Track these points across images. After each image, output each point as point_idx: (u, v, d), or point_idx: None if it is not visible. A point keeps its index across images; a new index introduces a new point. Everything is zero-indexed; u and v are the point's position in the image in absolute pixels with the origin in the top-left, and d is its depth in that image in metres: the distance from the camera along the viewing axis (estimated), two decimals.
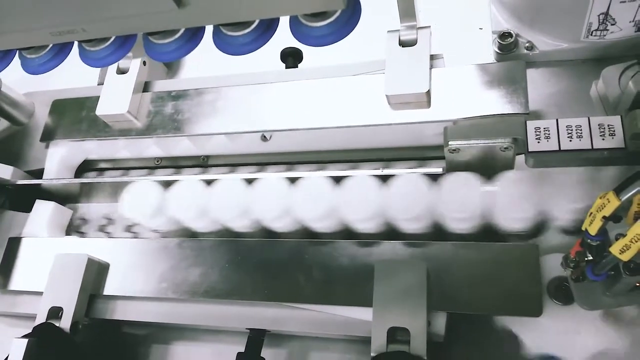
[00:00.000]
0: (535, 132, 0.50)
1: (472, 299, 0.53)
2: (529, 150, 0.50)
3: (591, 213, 0.43)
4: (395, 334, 0.51)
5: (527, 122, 0.51)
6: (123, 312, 0.66)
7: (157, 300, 0.64)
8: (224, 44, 0.40)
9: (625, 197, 0.41)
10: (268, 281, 0.59)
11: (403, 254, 0.56)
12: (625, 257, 0.41)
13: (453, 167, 0.58)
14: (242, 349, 0.60)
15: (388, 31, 0.63)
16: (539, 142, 0.49)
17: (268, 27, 0.38)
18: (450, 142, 0.54)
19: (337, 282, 0.57)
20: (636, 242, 0.40)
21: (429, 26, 0.62)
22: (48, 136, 0.78)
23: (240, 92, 0.70)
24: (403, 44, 0.62)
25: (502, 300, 0.52)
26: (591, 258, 0.46)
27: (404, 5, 0.60)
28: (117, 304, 0.67)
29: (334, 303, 0.57)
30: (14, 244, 0.72)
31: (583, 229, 0.45)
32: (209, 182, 0.65)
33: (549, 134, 0.49)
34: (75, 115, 0.77)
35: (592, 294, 0.50)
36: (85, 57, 0.51)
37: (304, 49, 0.73)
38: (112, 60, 0.48)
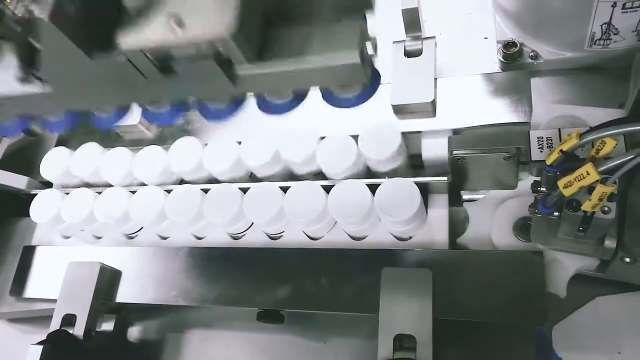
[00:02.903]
0: (538, 141, 0.51)
1: (477, 306, 0.53)
2: (532, 159, 0.50)
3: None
4: (402, 341, 0.52)
5: (530, 131, 0.51)
6: (135, 319, 0.67)
7: (168, 307, 0.65)
8: (266, 106, 0.45)
9: (586, 139, 0.42)
10: (276, 288, 0.60)
11: (409, 261, 0.57)
12: (567, 192, 0.43)
13: (457, 176, 0.59)
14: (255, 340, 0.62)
15: (393, 42, 0.64)
16: (541, 151, 0.50)
17: (302, 94, 0.43)
18: (454, 151, 0.55)
19: (344, 289, 0.58)
20: (579, 180, 0.42)
21: (434, 37, 0.63)
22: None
23: (249, 100, 0.71)
24: (408, 54, 0.63)
25: (507, 307, 0.52)
26: (544, 189, 0.47)
27: (408, 17, 0.61)
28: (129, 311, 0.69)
29: (341, 310, 0.58)
30: (28, 252, 0.74)
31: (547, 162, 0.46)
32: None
33: (551, 143, 0.50)
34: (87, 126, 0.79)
35: (546, 231, 0.51)
36: (147, 115, 0.53)
37: None
38: (170, 120, 0.50)
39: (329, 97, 0.42)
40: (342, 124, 0.63)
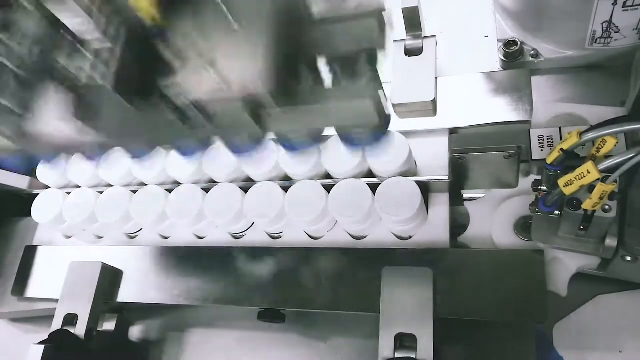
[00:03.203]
0: (538, 140, 0.51)
1: (478, 304, 0.53)
2: (533, 158, 0.50)
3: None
4: (403, 340, 0.52)
5: (531, 130, 0.51)
6: (136, 319, 0.67)
7: (170, 306, 0.65)
8: (286, 145, 0.47)
9: (586, 138, 0.42)
10: (277, 288, 0.60)
11: (410, 260, 0.57)
12: (567, 191, 0.43)
13: (458, 175, 0.59)
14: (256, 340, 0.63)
15: (394, 41, 0.64)
16: (542, 150, 0.50)
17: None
18: (455, 150, 0.55)
19: (345, 289, 0.58)
20: (579, 179, 0.42)
21: (435, 35, 0.63)
22: None
23: None
24: (409, 53, 0.63)
25: (508, 306, 0.52)
26: (545, 188, 0.48)
27: (409, 15, 0.61)
28: (131, 311, 0.69)
29: (342, 309, 0.58)
30: (29, 252, 0.74)
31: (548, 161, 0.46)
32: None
33: (552, 142, 0.50)
34: None
35: (547, 229, 0.51)
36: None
37: None
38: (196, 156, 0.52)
39: (345, 139, 0.44)
40: None
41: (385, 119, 0.42)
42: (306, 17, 0.38)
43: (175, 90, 0.39)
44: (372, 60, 0.40)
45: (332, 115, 0.40)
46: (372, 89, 0.39)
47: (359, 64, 0.39)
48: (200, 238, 0.69)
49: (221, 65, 0.37)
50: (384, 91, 0.41)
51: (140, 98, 0.40)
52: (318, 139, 0.45)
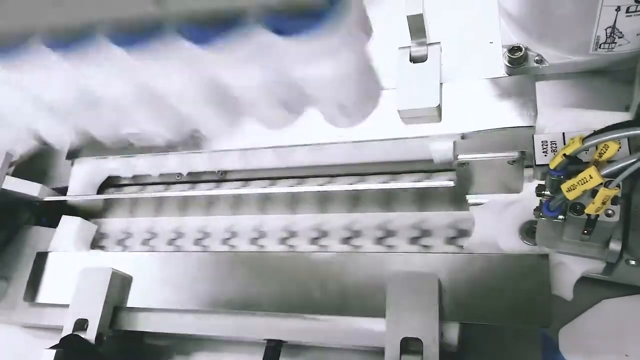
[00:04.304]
0: (542, 145, 0.51)
1: (483, 309, 0.54)
2: (537, 163, 0.51)
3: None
4: (409, 345, 0.53)
5: (534, 135, 0.52)
6: (146, 324, 0.68)
7: (178, 312, 0.66)
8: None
9: (588, 143, 0.42)
10: (284, 293, 0.61)
11: (415, 265, 0.58)
12: (570, 195, 0.44)
13: (462, 180, 0.59)
14: None
15: (399, 47, 0.64)
16: (546, 155, 0.50)
17: None
18: (459, 156, 0.56)
19: (351, 294, 0.58)
20: (582, 184, 0.42)
21: (439, 42, 0.63)
22: (73, 154, 0.81)
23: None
24: (414, 59, 0.63)
25: (513, 310, 0.53)
26: (549, 193, 0.48)
27: (414, 22, 0.61)
28: (140, 315, 0.70)
29: (348, 314, 0.58)
30: (41, 258, 0.75)
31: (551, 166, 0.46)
32: None
33: (555, 147, 0.50)
34: None
35: (552, 234, 0.52)
36: None
37: None
38: None
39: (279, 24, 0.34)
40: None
41: None
42: None
43: None
44: None
45: None
46: None
47: None
48: None
49: None
50: None
51: None
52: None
